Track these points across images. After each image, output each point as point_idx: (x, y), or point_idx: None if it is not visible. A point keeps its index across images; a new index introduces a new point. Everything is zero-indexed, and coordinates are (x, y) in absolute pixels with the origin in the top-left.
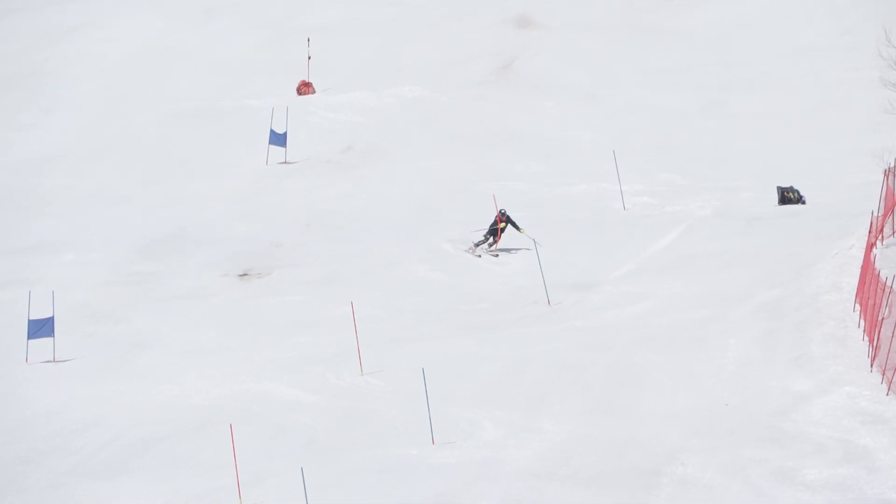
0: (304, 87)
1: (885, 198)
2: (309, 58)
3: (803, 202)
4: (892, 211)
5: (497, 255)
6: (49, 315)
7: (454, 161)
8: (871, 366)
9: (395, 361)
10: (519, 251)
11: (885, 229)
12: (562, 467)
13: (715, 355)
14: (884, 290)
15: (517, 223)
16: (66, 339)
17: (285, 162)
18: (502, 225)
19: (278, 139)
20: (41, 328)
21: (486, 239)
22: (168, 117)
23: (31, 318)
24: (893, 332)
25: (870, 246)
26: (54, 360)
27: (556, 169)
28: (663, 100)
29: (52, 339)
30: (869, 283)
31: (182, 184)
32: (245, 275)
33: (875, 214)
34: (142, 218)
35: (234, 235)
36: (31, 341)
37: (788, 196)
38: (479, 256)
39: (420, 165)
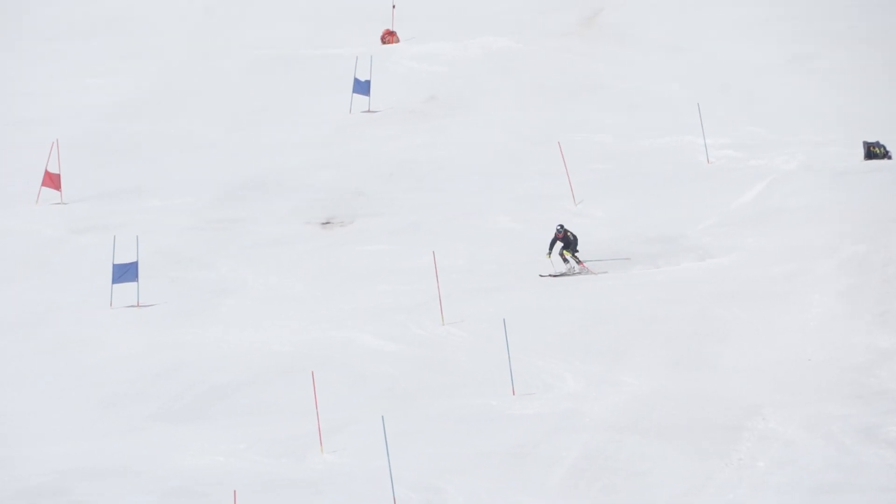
0: (389, 36)
1: None
2: (393, 6)
3: (889, 157)
4: None
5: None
6: (133, 260)
7: (537, 112)
8: None
9: (477, 311)
10: (601, 203)
11: None
12: (642, 420)
13: (799, 310)
14: None
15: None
16: (150, 284)
17: (368, 111)
18: (563, 247)
19: (362, 87)
20: (125, 273)
21: (567, 261)
22: (252, 64)
23: (115, 263)
24: None
25: None
26: (138, 305)
27: (639, 121)
28: (750, 52)
29: (136, 284)
30: None
31: (266, 131)
32: (328, 223)
33: None
34: (226, 164)
35: (317, 183)
36: (116, 286)
37: (874, 151)
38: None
39: (503, 116)
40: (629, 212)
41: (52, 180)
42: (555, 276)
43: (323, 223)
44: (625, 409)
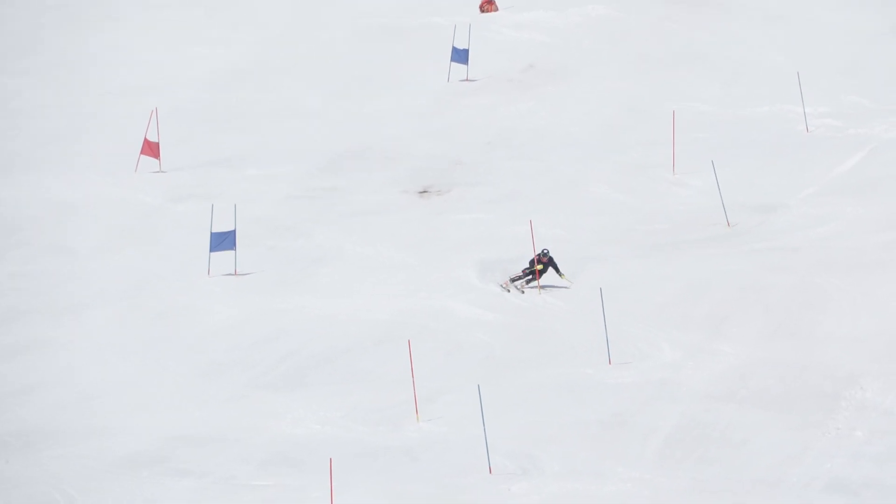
0: (487, 5)
1: None
2: None
3: None
4: None
5: (524, 293)
6: (231, 228)
7: (638, 81)
8: None
9: (574, 281)
10: (699, 172)
11: None
12: (740, 389)
13: None
14: None
15: (559, 266)
16: (248, 252)
17: (467, 79)
18: (540, 267)
19: (460, 56)
20: (223, 241)
21: (525, 276)
22: (353, 34)
23: (213, 232)
24: None
25: None
26: (236, 274)
27: (740, 90)
28: (850, 21)
29: (233, 252)
30: None
31: (365, 100)
32: (425, 192)
33: None
34: (325, 134)
35: (415, 152)
36: (213, 254)
37: None
38: (509, 291)
39: (603, 85)
40: (729, 181)
41: (150, 149)
42: (509, 284)
43: (420, 192)
44: (722, 378)
